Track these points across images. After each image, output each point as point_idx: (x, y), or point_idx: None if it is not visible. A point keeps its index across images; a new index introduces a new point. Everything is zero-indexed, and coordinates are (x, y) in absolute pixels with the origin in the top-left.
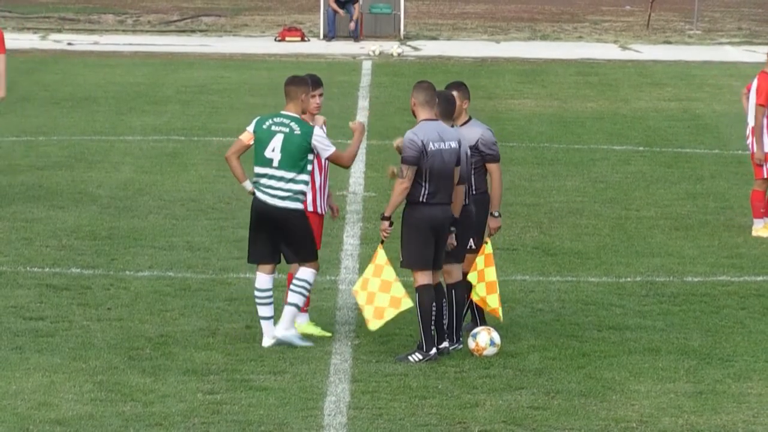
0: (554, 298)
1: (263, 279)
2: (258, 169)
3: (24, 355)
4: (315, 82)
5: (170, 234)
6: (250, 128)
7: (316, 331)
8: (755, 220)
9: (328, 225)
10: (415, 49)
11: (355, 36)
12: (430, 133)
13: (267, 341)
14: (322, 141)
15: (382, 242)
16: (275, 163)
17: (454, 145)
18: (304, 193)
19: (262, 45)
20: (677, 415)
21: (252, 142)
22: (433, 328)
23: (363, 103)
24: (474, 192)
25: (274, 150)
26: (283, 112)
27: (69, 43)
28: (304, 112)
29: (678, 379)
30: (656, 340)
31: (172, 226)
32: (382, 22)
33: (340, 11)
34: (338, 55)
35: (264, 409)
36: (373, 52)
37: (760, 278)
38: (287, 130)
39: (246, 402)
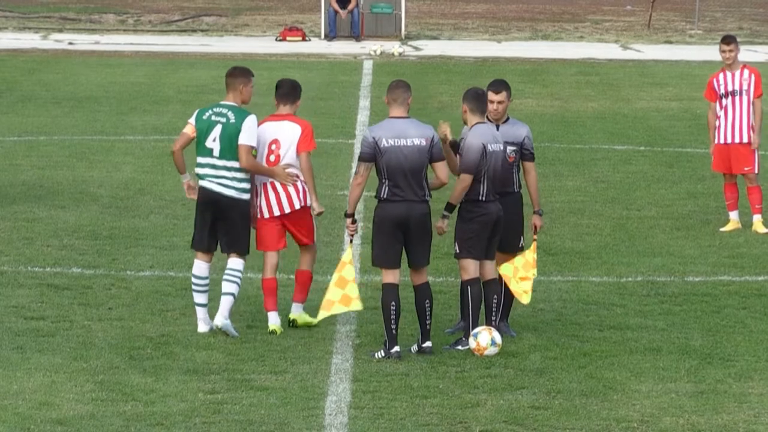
0: (555, 298)
1: (202, 266)
2: (199, 159)
3: (25, 354)
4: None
5: (171, 234)
6: (192, 120)
7: (308, 319)
8: (731, 213)
9: (330, 225)
10: (416, 48)
11: (354, 20)
12: (387, 129)
13: (203, 327)
14: (247, 129)
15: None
16: (215, 153)
17: (417, 142)
18: (246, 182)
19: (264, 45)
20: (678, 415)
21: (194, 134)
22: (393, 327)
23: (364, 103)
24: (517, 189)
25: (215, 140)
26: (222, 102)
27: (70, 43)
28: (244, 102)
29: (679, 378)
30: (657, 339)
31: (173, 225)
32: (383, 22)
33: (341, 11)
34: (339, 54)
35: (265, 408)
36: (374, 51)
37: (761, 278)
38: (224, 119)
39: (247, 402)
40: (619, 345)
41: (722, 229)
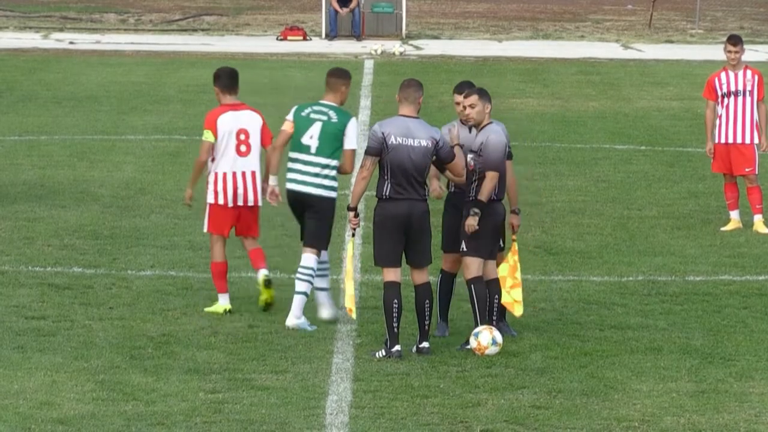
0: (556, 298)
1: (310, 258)
2: (292, 155)
3: (26, 354)
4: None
5: (172, 233)
6: (290, 117)
7: (220, 308)
8: (732, 213)
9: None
10: (417, 48)
11: (355, 22)
12: (396, 127)
13: (324, 313)
14: (350, 134)
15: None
16: (312, 150)
17: (424, 143)
18: (335, 180)
19: (264, 44)
20: (679, 415)
21: (293, 130)
22: (395, 325)
23: (365, 102)
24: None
25: (312, 137)
26: (321, 101)
27: (71, 43)
28: (341, 103)
29: (680, 378)
30: (658, 339)
31: (173, 225)
32: (384, 22)
33: (342, 10)
34: (340, 54)
35: (266, 408)
36: (375, 51)
37: (762, 277)
38: (325, 118)
39: (248, 401)
40: (620, 344)
41: (723, 229)
